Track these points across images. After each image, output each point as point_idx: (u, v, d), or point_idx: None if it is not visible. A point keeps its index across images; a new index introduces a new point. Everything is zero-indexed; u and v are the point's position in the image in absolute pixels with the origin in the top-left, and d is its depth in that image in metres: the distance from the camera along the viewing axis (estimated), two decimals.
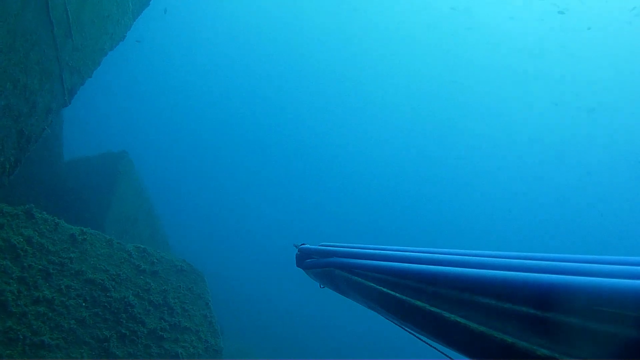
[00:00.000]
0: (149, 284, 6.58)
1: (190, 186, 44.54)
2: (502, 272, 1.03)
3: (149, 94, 49.12)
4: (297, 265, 2.37)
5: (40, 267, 5.39)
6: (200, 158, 48.96)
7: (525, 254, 1.28)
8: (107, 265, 6.20)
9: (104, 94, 40.77)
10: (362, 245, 1.90)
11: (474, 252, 1.40)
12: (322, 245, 2.17)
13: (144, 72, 46.96)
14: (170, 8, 30.04)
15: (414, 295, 1.27)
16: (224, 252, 30.49)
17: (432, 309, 1.16)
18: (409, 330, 1.49)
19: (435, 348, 1.43)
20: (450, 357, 1.46)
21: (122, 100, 46.06)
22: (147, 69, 47.26)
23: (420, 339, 1.48)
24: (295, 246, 2.46)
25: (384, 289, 1.43)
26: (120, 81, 43.21)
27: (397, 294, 1.35)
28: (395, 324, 1.59)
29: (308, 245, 2.33)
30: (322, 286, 2.24)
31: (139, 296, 6.31)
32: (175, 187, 41.57)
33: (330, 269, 1.89)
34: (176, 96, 50.52)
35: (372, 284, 1.52)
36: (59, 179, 9.65)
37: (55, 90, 6.30)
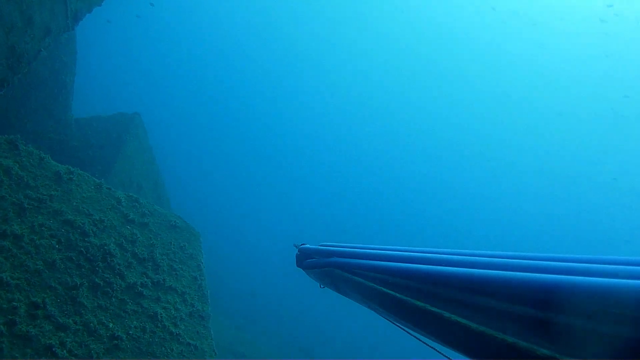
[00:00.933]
0: (136, 236, 5.99)
1: (203, 172, 44.51)
2: (502, 272, 1.03)
3: (170, 63, 49.22)
4: (297, 265, 2.37)
5: (14, 200, 4.93)
6: (214, 150, 49.11)
7: (525, 254, 1.28)
8: (91, 209, 5.65)
9: (120, 57, 40.83)
10: (362, 245, 1.90)
11: (474, 252, 1.40)
12: (322, 245, 2.17)
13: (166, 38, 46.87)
14: None
15: (414, 295, 1.27)
16: (225, 246, 30.48)
17: (432, 309, 1.16)
18: (409, 330, 1.48)
19: (435, 349, 1.43)
20: (449, 358, 1.46)
21: (141, 64, 46.08)
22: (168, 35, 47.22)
23: (420, 339, 1.47)
24: (295, 246, 2.46)
25: (384, 289, 1.43)
26: (140, 46, 43.31)
27: (397, 294, 1.35)
28: (395, 324, 1.59)
29: (308, 245, 2.33)
30: (322, 286, 2.23)
31: (122, 247, 5.75)
32: (187, 167, 41.52)
33: (330, 269, 1.89)
34: (199, 71, 50.66)
35: (372, 284, 1.52)
36: (65, 135, 9.13)
37: (57, 10, 5.71)
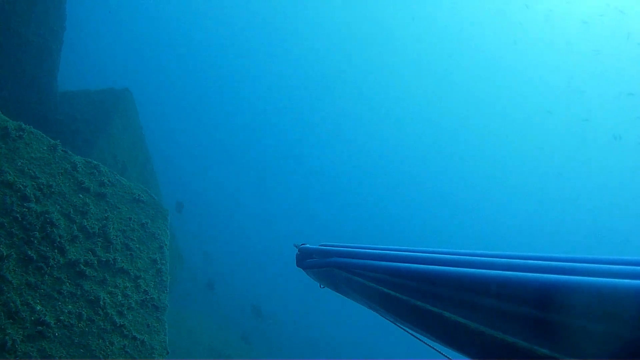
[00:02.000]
0: (88, 207, 5.12)
1: (199, 167, 43.98)
2: (502, 272, 1.03)
3: (171, 42, 48.66)
4: (297, 265, 2.37)
5: None
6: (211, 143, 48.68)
7: (525, 254, 1.28)
8: (38, 172, 4.86)
9: (114, 32, 40.15)
10: (363, 245, 1.90)
11: (474, 252, 1.40)
12: (322, 245, 2.17)
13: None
14: None
15: (414, 295, 1.27)
16: (225, 246, 30.46)
17: (432, 309, 1.16)
18: (409, 330, 1.48)
19: (434, 349, 1.43)
20: (449, 358, 1.46)
21: (137, 40, 45.43)
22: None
23: (419, 339, 1.47)
24: (296, 246, 2.46)
25: (384, 289, 1.43)
26: (135, 24, 42.69)
27: (397, 294, 1.35)
28: (395, 324, 1.59)
29: (308, 245, 2.33)
30: (322, 286, 2.24)
31: (68, 217, 4.89)
32: (182, 158, 40.69)
33: (331, 269, 1.89)
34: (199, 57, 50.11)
35: (372, 284, 1.52)
36: (49, 107, 8.32)
37: None
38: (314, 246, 2.25)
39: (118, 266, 5.19)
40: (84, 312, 4.56)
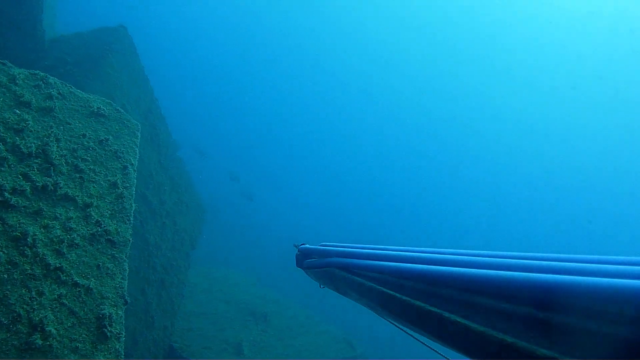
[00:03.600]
0: (26, 122, 4.07)
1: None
2: (502, 272, 1.03)
3: None
4: (297, 265, 2.38)
5: None
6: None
7: (525, 254, 1.28)
8: None
9: None
10: (363, 245, 1.90)
11: (474, 252, 1.40)
12: (322, 245, 2.17)
13: None
14: None
15: (413, 296, 1.27)
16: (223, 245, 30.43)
17: (432, 309, 1.16)
18: (409, 330, 1.49)
19: (434, 350, 1.43)
20: (449, 358, 1.46)
21: None
22: None
23: (419, 339, 1.48)
24: (295, 246, 2.46)
25: (384, 289, 1.43)
26: None
27: (397, 294, 1.35)
28: (395, 324, 1.59)
29: (308, 245, 2.33)
30: (322, 286, 2.24)
31: None
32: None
33: (330, 269, 1.89)
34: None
35: (372, 284, 1.52)
36: (36, 52, 7.51)
37: None
38: (314, 246, 2.26)
39: (61, 192, 4.04)
40: (1, 254, 3.42)
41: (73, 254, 3.88)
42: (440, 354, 1.44)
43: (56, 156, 4.18)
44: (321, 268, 2.00)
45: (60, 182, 4.08)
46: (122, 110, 5.03)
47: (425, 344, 1.48)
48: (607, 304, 0.74)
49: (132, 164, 4.81)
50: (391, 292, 1.38)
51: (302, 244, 2.39)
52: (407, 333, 1.55)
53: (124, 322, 3.93)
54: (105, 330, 3.73)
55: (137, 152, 5.01)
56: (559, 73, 47.66)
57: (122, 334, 3.83)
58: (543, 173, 50.07)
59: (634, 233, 44.79)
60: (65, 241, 3.87)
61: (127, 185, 4.64)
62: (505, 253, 1.30)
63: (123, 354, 3.79)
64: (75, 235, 3.98)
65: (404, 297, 1.30)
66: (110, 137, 4.75)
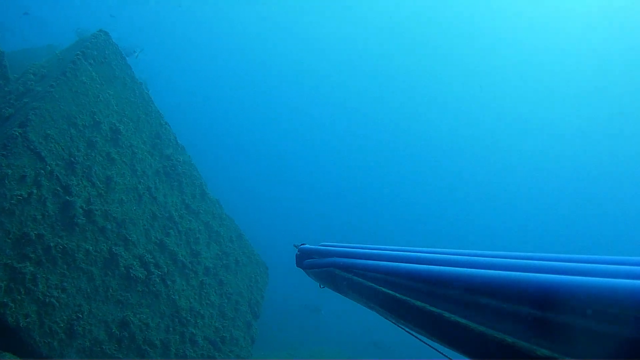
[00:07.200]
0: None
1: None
2: (502, 272, 1.03)
3: None
4: (297, 265, 2.37)
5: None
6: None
7: (525, 254, 1.28)
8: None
9: None
10: (362, 245, 1.90)
11: (474, 252, 1.40)
12: (322, 245, 2.17)
13: None
14: None
15: (414, 295, 1.27)
16: None
17: (432, 309, 1.16)
18: (409, 330, 1.49)
19: (435, 349, 1.43)
20: (449, 358, 1.46)
21: None
22: None
23: (419, 339, 1.47)
24: (295, 246, 2.46)
25: (384, 289, 1.43)
26: None
27: (397, 294, 1.35)
28: (395, 324, 1.59)
29: (308, 245, 2.33)
30: (322, 286, 2.24)
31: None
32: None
33: (330, 269, 1.89)
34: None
35: (371, 284, 1.52)
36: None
37: None
38: (314, 246, 2.25)
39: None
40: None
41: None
42: (441, 353, 1.44)
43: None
44: (321, 268, 1.99)
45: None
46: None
47: (426, 344, 1.48)
48: (606, 304, 0.74)
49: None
50: (391, 292, 1.38)
51: (302, 244, 2.39)
52: (408, 332, 1.55)
53: None
54: None
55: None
56: (559, 73, 47.68)
57: None
58: (543, 173, 50.07)
59: (634, 233, 44.76)
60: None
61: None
62: (505, 253, 1.30)
63: None
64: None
65: (404, 297, 1.30)
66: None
